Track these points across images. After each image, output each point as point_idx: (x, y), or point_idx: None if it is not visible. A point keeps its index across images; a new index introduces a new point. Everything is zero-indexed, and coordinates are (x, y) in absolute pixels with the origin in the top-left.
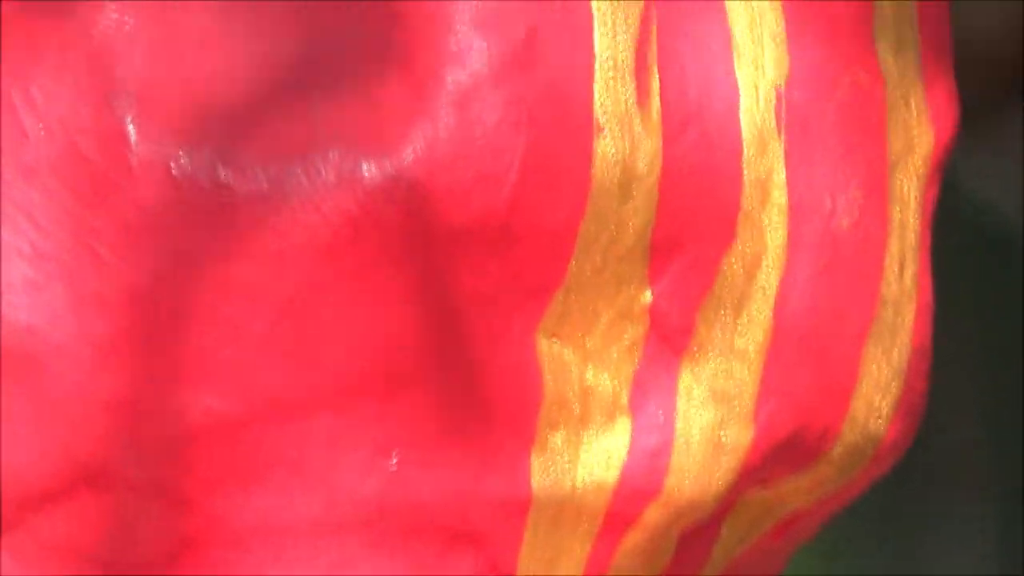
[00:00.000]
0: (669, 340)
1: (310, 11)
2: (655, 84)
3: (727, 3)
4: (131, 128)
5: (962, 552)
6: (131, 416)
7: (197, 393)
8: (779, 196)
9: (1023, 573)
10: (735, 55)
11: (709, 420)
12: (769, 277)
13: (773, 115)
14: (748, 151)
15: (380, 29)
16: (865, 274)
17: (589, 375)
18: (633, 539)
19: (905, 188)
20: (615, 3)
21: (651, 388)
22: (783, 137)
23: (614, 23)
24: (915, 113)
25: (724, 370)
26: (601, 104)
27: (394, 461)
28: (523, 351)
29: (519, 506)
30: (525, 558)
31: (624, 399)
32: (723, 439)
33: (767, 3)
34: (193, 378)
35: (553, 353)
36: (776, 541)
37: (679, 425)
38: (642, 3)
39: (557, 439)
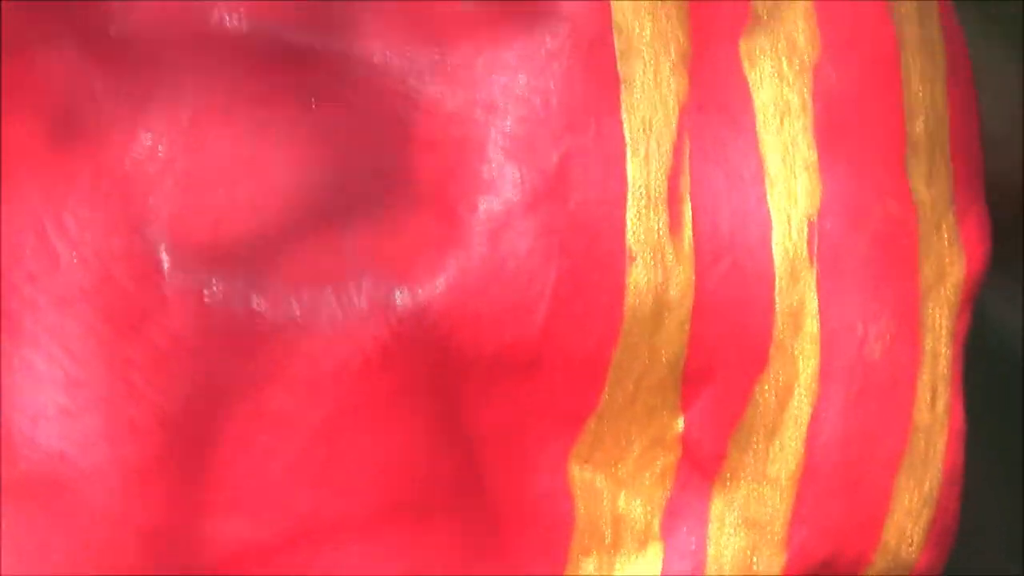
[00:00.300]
0: (701, 467)
1: (343, 139)
2: (688, 213)
3: (760, 132)
4: (164, 256)
5: None
6: (162, 543)
7: (228, 520)
8: (811, 325)
9: None
10: (768, 184)
11: (741, 546)
12: (801, 405)
13: (806, 245)
14: (780, 281)
15: (412, 156)
16: (897, 403)
17: (621, 502)
18: None
19: (937, 317)
20: (648, 132)
21: (683, 514)
22: (815, 267)
23: (647, 152)
24: (946, 242)
25: (756, 497)
26: (634, 233)
27: None
28: (555, 478)
29: None
30: None
31: (656, 526)
32: (755, 565)
33: (800, 132)
34: (224, 505)
35: (585, 480)
36: None
37: (711, 551)
38: (675, 132)
39: (589, 566)
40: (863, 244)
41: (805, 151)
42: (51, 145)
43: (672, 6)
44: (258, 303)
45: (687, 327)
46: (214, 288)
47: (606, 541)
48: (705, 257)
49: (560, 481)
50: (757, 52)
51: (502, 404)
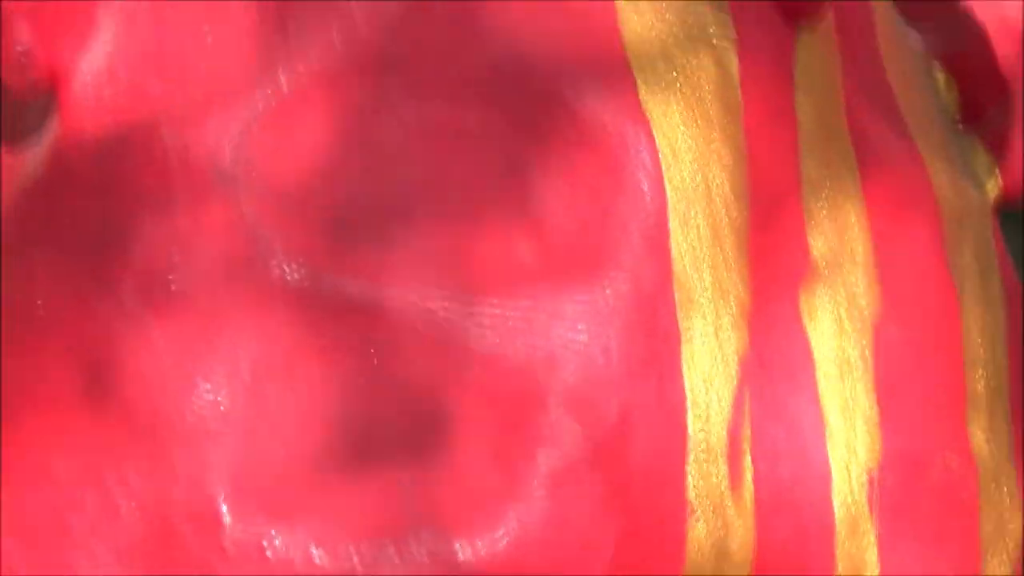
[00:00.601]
0: None
1: (403, 391)
2: (748, 467)
3: (820, 386)
4: (224, 508)
5: None
6: None
7: None
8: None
9: None
10: (828, 438)
11: None
12: None
13: (866, 498)
14: (841, 534)
15: (471, 409)
16: None
17: None
18: None
19: (999, 572)
20: (709, 386)
21: None
22: (876, 520)
23: (707, 406)
24: (1007, 499)
25: None
26: (695, 488)
27: None
28: None
29: None
30: None
31: None
32: None
33: (860, 387)
34: None
35: None
36: None
37: None
38: (735, 386)
39: None
40: (924, 498)
41: (865, 406)
42: (110, 395)
43: (732, 256)
44: (319, 557)
45: None
46: (275, 541)
47: None
48: (765, 511)
49: None
50: (817, 306)
51: None
